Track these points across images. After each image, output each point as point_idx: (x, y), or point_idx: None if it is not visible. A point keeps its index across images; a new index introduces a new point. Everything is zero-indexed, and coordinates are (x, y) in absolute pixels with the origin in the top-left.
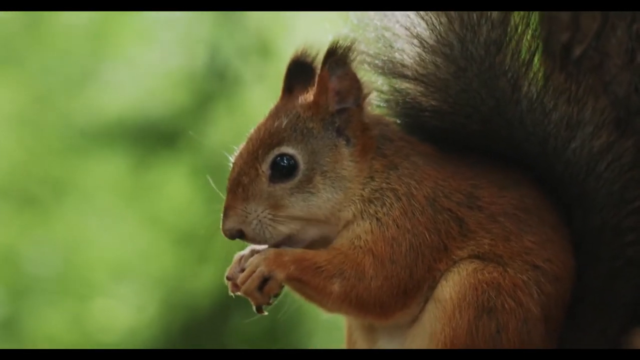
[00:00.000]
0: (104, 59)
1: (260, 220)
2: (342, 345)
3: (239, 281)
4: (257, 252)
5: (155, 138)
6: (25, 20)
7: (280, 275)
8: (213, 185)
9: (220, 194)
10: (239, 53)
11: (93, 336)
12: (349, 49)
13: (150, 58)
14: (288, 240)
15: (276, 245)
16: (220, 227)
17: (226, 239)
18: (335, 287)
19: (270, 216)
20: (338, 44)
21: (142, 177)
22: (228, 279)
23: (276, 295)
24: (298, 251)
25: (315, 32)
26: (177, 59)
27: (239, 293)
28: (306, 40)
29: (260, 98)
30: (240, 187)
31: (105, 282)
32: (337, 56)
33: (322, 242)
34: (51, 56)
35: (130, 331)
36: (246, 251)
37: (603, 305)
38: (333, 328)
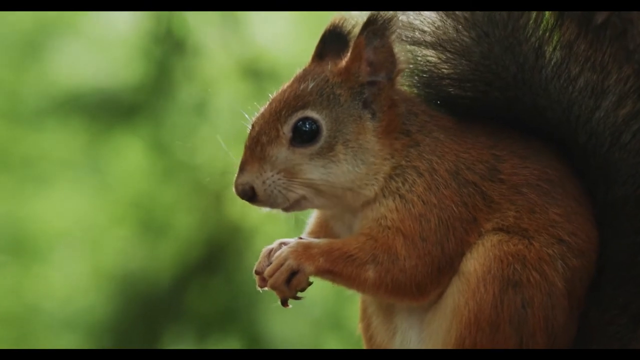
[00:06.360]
0: (58, 28)
1: (274, 181)
2: (303, 325)
3: (265, 274)
4: (285, 244)
5: (112, 110)
6: None
7: (309, 268)
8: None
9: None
10: (201, 24)
11: (40, 305)
12: (389, 21)
13: (107, 27)
14: (297, 205)
15: (285, 209)
16: (234, 180)
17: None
18: (370, 273)
19: (284, 180)
20: (380, 15)
21: (98, 150)
22: (257, 273)
23: (303, 289)
24: (325, 242)
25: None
26: (135, 29)
27: (266, 288)
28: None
29: (222, 71)
30: (259, 146)
31: (56, 253)
32: (377, 26)
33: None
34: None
35: (88, 307)
36: (274, 244)
37: (626, 279)
38: (292, 307)
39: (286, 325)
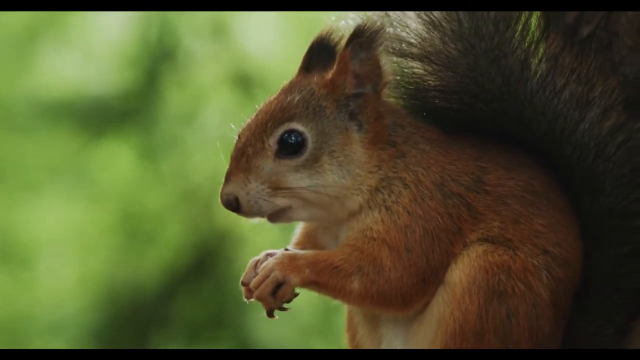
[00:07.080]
0: (48, 34)
1: (257, 192)
2: (291, 332)
3: (252, 285)
4: (271, 255)
5: (101, 118)
6: None
7: (294, 279)
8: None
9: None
10: (191, 32)
11: (29, 312)
12: (376, 33)
13: (97, 34)
14: (282, 216)
15: (269, 217)
16: (220, 191)
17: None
18: (355, 284)
19: (268, 191)
20: (366, 27)
21: (87, 157)
22: (243, 284)
23: (289, 300)
24: (311, 253)
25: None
26: (125, 37)
27: (252, 299)
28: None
29: (212, 79)
30: (244, 157)
31: (45, 260)
32: (363, 39)
33: (325, 229)
34: None
35: (76, 313)
36: (260, 256)
37: (610, 291)
38: (280, 314)
39: (275, 332)
